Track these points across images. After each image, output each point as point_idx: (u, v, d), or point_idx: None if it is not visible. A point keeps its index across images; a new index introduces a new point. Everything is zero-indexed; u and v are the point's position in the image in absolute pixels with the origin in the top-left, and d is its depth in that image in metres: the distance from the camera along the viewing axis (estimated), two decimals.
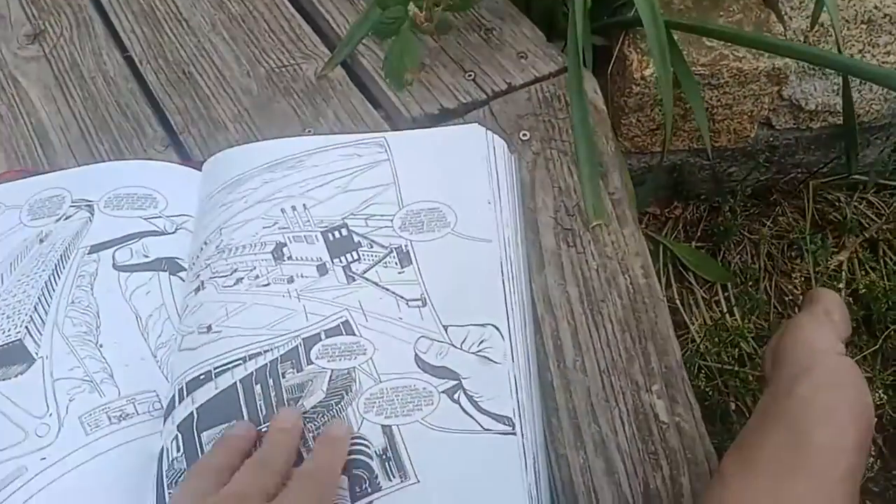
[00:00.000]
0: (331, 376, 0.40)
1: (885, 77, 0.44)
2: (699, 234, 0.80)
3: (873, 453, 0.61)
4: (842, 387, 0.33)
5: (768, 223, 0.80)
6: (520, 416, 0.39)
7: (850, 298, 0.75)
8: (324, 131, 0.55)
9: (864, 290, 0.73)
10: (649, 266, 0.48)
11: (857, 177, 0.84)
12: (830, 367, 0.34)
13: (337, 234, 0.45)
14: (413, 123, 0.56)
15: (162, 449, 0.39)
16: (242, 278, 0.43)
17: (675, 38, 0.54)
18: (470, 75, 0.58)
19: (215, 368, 0.40)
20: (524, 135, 0.54)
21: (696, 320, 0.73)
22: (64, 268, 0.45)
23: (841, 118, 0.70)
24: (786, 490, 0.31)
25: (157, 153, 0.55)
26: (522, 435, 0.39)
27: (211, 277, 0.44)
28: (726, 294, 0.76)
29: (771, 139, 0.73)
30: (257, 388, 0.39)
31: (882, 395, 0.63)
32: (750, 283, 0.75)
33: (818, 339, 0.35)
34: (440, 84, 0.57)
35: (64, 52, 0.62)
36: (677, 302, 0.75)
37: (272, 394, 0.39)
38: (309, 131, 0.55)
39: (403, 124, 0.56)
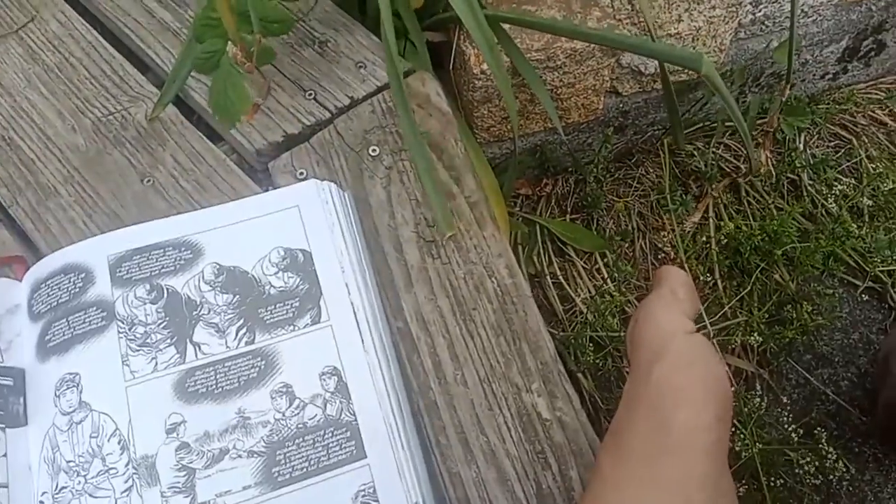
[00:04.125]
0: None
1: (671, 55, 0.46)
2: (571, 206, 0.82)
3: (760, 391, 0.64)
4: (693, 365, 0.34)
5: (634, 184, 0.83)
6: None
7: (717, 247, 0.79)
8: (163, 177, 0.53)
9: (725, 241, 0.77)
10: (513, 264, 0.48)
11: (711, 125, 0.87)
12: (680, 348, 0.35)
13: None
14: (258, 156, 0.53)
15: None
16: None
17: (507, 28, 0.54)
18: (310, 94, 0.56)
19: None
20: (373, 150, 0.53)
21: (581, 292, 0.74)
22: None
23: (682, 75, 0.72)
24: (655, 474, 0.32)
25: None
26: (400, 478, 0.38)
27: None
28: (605, 260, 0.78)
29: (621, 105, 0.74)
30: None
31: (758, 336, 0.67)
32: (626, 245, 0.77)
33: (666, 320, 0.36)
34: (280, 108, 0.55)
35: None
36: (560, 277, 0.76)
37: None
38: (147, 181, 0.53)
39: (249, 157, 0.54)
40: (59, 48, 0.60)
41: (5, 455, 0.38)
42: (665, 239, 0.78)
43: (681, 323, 0.36)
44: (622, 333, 0.68)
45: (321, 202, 0.47)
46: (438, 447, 0.42)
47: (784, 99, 0.70)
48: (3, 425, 0.38)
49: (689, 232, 0.79)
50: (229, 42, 0.44)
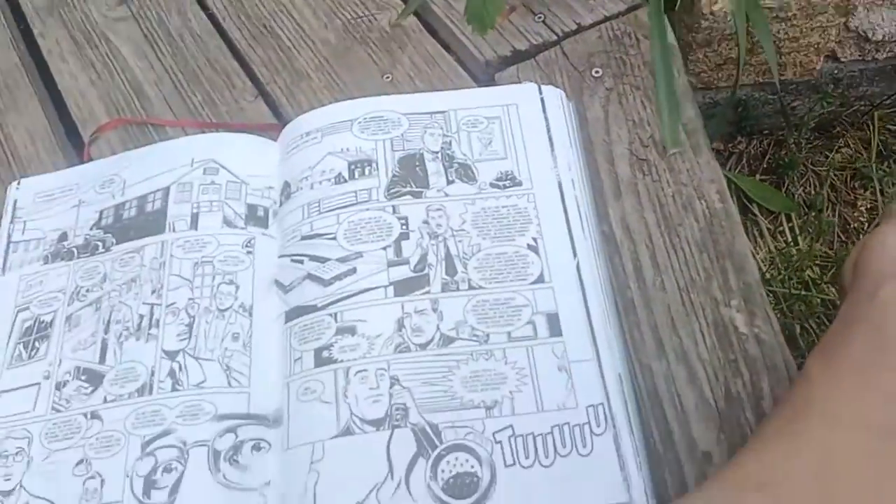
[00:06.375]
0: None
1: None
2: (763, 167, 0.81)
3: None
4: None
5: (832, 155, 0.81)
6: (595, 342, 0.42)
7: None
8: (401, 76, 0.58)
9: None
10: (725, 191, 0.50)
11: None
12: None
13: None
14: (486, 67, 0.58)
15: None
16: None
17: None
18: (539, 17, 0.59)
19: None
20: (596, 72, 0.56)
21: (762, 250, 0.74)
22: None
23: None
24: (871, 386, 0.33)
25: (248, 103, 0.59)
26: (600, 360, 0.41)
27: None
28: (790, 224, 0.77)
29: (835, 72, 0.73)
30: None
31: None
32: (813, 214, 0.76)
33: None
34: (510, 27, 0.59)
35: (150, 13, 0.66)
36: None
37: None
38: (387, 77, 0.58)
39: (476, 68, 0.58)
40: None
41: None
42: (861, 209, 0.76)
43: None
44: (802, 292, 0.68)
45: (556, 106, 0.51)
46: (632, 340, 0.45)
47: None
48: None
49: (889, 203, 0.76)
50: None
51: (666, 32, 0.51)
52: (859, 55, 0.69)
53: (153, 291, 0.45)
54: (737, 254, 0.47)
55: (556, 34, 0.58)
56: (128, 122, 0.59)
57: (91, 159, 0.57)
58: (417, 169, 0.48)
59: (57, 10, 0.67)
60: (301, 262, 0.45)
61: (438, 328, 0.42)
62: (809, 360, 0.36)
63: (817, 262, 0.71)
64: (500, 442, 0.38)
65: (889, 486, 0.32)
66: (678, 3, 0.63)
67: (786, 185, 0.79)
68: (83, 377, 0.42)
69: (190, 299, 0.44)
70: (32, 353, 0.44)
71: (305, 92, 0.59)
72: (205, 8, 0.66)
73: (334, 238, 0.45)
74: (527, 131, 0.50)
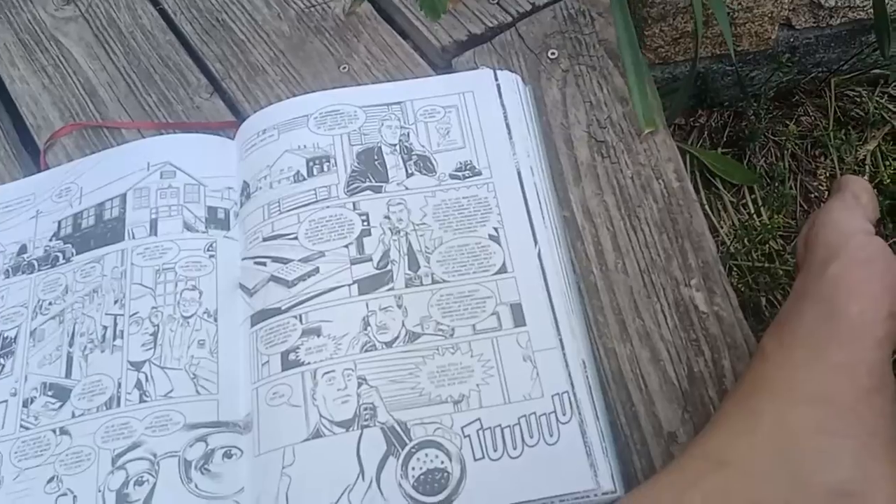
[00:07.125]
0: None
1: None
2: (724, 140, 0.82)
3: None
4: (871, 262, 0.35)
5: (791, 124, 0.82)
6: (558, 329, 0.42)
7: (876, 190, 0.78)
8: (358, 66, 0.58)
9: (888, 182, 0.75)
10: (681, 170, 0.50)
11: (877, 71, 0.84)
12: (860, 245, 0.36)
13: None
14: (443, 53, 0.58)
15: None
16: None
17: None
18: None
19: None
20: (552, 53, 0.55)
21: (726, 223, 0.75)
22: None
23: (861, 13, 0.70)
24: (823, 359, 0.34)
25: (204, 100, 0.58)
26: (563, 348, 0.41)
27: None
28: (753, 196, 0.78)
29: (791, 40, 0.73)
30: None
31: None
32: (776, 184, 0.77)
33: (847, 221, 0.37)
34: (465, 11, 0.59)
35: (100, 10, 0.64)
36: (706, 207, 0.77)
37: None
38: (343, 68, 0.58)
39: (433, 54, 0.58)
40: None
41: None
42: (821, 178, 0.77)
43: (861, 224, 0.37)
44: (766, 265, 0.69)
45: (512, 91, 0.50)
46: (596, 324, 0.45)
47: None
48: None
49: (846, 171, 0.78)
50: None
51: (626, 7, 0.51)
52: (814, 22, 0.70)
53: (116, 301, 0.44)
54: (694, 232, 0.48)
55: (512, 15, 0.58)
56: (83, 126, 0.58)
57: (48, 167, 0.56)
58: (376, 163, 0.48)
59: (3, 12, 0.66)
60: (264, 264, 0.45)
61: (404, 324, 0.42)
62: (765, 337, 0.37)
63: (780, 232, 0.73)
64: (468, 436, 0.38)
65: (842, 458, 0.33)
66: None
67: (748, 156, 0.80)
68: (50, 392, 0.42)
69: (153, 308, 0.44)
70: None
71: (262, 86, 0.58)
72: (155, 3, 0.64)
73: (296, 238, 0.45)
74: (484, 119, 0.50)
